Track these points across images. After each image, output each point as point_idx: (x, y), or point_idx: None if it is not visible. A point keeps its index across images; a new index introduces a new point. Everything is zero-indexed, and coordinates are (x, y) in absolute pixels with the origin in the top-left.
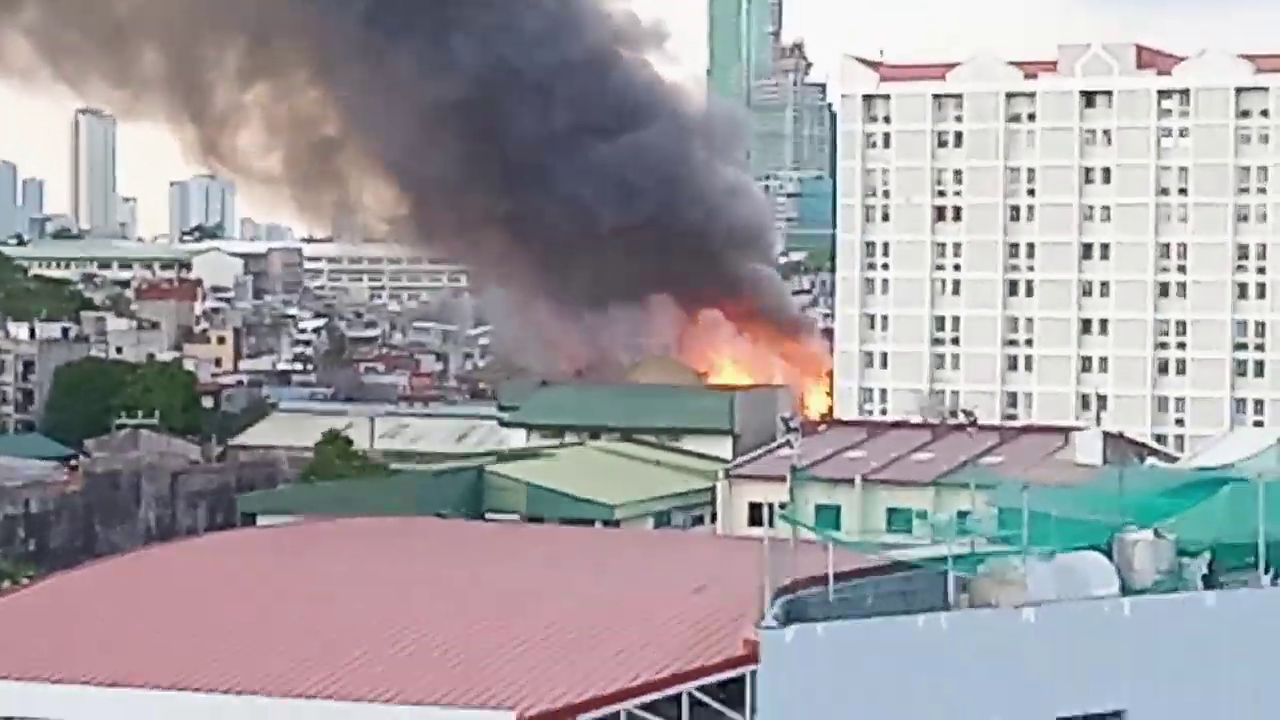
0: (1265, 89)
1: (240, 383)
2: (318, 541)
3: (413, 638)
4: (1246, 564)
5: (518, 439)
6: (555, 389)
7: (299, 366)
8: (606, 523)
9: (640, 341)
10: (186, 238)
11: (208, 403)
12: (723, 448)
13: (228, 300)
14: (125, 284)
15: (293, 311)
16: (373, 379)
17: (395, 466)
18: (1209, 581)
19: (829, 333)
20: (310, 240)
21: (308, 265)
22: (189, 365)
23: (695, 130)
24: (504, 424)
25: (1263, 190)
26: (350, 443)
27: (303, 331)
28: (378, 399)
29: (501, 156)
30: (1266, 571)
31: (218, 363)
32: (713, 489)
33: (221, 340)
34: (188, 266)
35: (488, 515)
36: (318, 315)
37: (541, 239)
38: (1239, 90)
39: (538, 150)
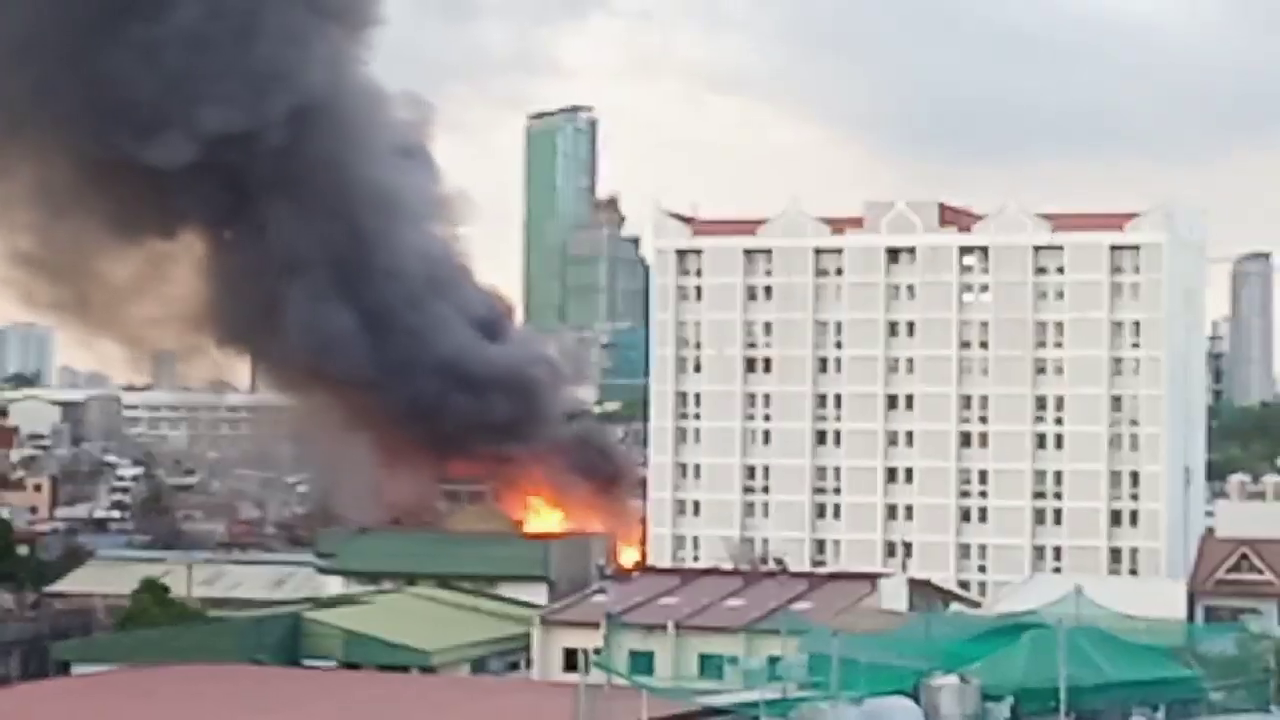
0: (1061, 247)
1: (56, 530)
2: (133, 690)
3: None
4: (1049, 708)
5: (335, 586)
6: (372, 536)
7: (116, 514)
8: (423, 669)
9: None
10: (4, 385)
11: (23, 550)
12: (538, 594)
13: (45, 447)
14: None
15: (111, 459)
16: (191, 526)
17: (212, 614)
18: None
19: (642, 482)
20: (130, 388)
21: (127, 413)
22: (4, 513)
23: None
24: (321, 570)
25: (1059, 344)
26: (167, 590)
27: (121, 479)
28: (196, 546)
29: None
30: (1067, 715)
31: (34, 510)
32: (528, 635)
33: (38, 488)
34: (4, 414)
35: (304, 662)
36: (136, 463)
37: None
38: (1036, 248)
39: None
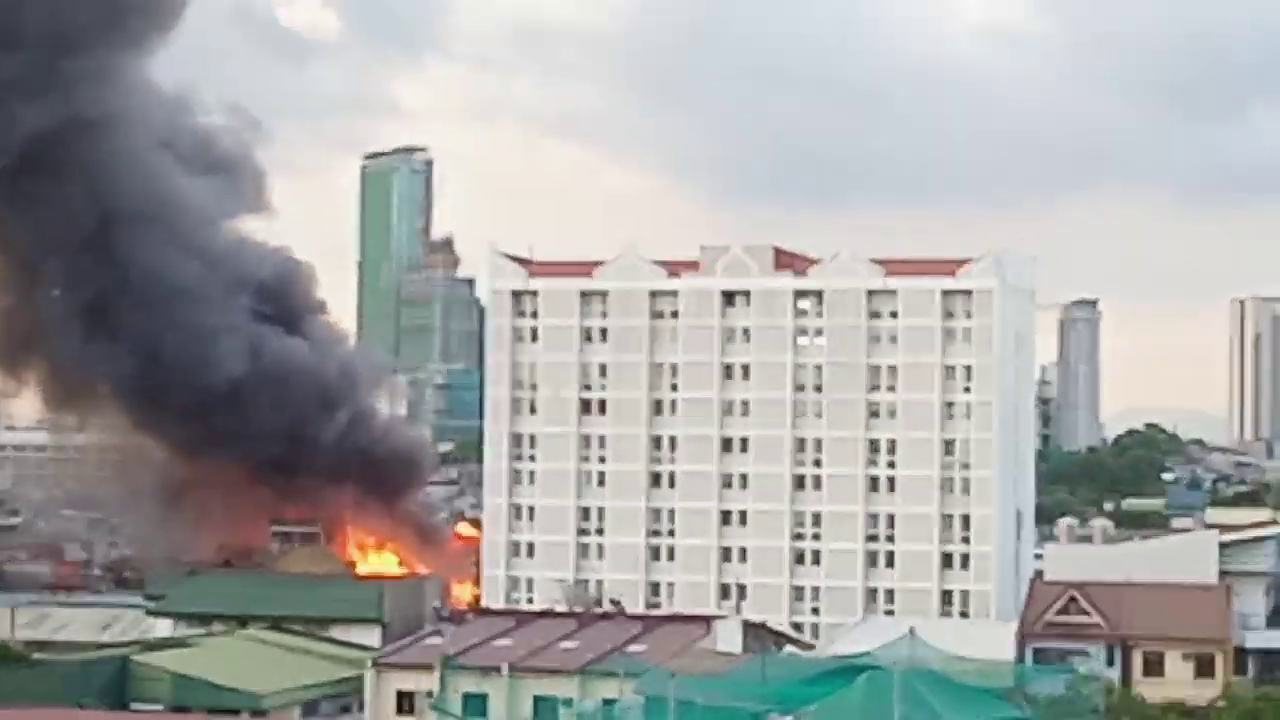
0: (894, 292)
1: None
2: None
3: None
4: None
5: (164, 628)
6: (203, 577)
7: None
8: (254, 712)
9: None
10: None
11: None
12: (371, 636)
13: None
14: None
15: None
16: (15, 568)
17: (37, 656)
18: None
19: (476, 522)
20: None
21: None
22: None
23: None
24: (150, 613)
25: (892, 388)
26: None
27: None
28: (20, 588)
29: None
30: None
31: None
32: (361, 678)
33: None
34: None
35: (132, 705)
36: None
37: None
38: (870, 293)
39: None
